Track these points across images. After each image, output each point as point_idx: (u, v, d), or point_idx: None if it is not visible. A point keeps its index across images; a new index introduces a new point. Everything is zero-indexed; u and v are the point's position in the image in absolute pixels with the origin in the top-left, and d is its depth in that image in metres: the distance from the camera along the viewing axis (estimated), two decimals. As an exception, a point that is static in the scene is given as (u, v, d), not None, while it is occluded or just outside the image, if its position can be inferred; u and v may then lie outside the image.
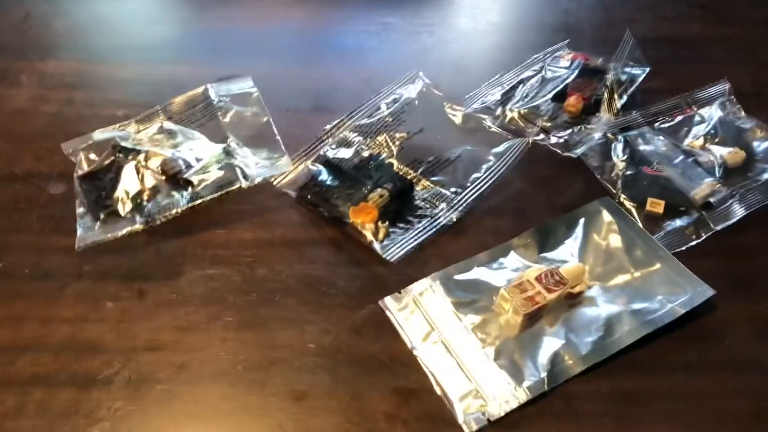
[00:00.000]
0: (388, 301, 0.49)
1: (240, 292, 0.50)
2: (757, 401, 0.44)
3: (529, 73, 0.68)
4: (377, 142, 0.59)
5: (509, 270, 0.51)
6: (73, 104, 0.66)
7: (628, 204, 0.55)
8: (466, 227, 0.54)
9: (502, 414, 0.43)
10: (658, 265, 0.50)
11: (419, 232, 0.53)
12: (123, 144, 0.57)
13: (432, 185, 0.56)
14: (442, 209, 0.54)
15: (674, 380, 0.45)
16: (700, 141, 0.60)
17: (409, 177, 0.57)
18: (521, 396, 0.43)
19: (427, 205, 0.55)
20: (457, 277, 0.50)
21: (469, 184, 0.56)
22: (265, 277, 0.51)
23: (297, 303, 0.49)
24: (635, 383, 0.45)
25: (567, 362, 0.45)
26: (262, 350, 0.46)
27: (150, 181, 0.55)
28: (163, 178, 0.56)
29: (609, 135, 0.60)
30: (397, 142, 0.59)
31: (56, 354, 0.45)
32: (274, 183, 0.57)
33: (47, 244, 0.53)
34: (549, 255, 0.52)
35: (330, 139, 0.60)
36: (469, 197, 0.55)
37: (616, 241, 0.52)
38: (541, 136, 0.61)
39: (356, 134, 0.60)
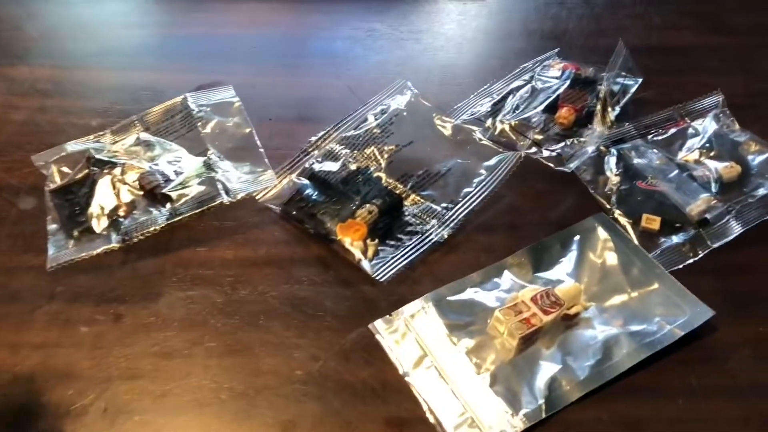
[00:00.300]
0: (379, 324, 0.47)
1: (222, 314, 0.47)
2: (761, 429, 0.42)
3: (518, 82, 0.67)
4: (365, 155, 0.57)
5: (503, 290, 0.49)
6: (45, 112, 0.63)
7: (622, 220, 0.54)
8: (457, 244, 0.52)
9: (499, 444, 0.41)
10: (655, 285, 0.49)
11: (410, 249, 0.51)
12: (98, 156, 0.55)
13: (422, 200, 0.54)
14: (432, 225, 0.53)
15: (675, 406, 0.43)
16: (695, 155, 0.59)
17: (398, 191, 0.55)
18: (518, 425, 0.42)
19: (418, 222, 0.53)
20: (451, 298, 0.48)
21: (460, 199, 0.54)
22: (248, 298, 0.48)
23: (282, 326, 0.47)
24: (635, 409, 0.43)
25: (565, 388, 0.43)
26: (247, 378, 0.44)
27: (126, 196, 0.53)
28: (141, 193, 0.53)
29: (602, 148, 0.59)
30: (386, 155, 0.57)
31: (26, 383, 0.43)
32: (257, 198, 0.54)
33: (16, 263, 0.50)
34: (544, 274, 0.50)
35: (316, 152, 0.58)
36: (461, 213, 0.54)
37: (612, 259, 0.51)
38: (533, 149, 0.60)
39: (343, 146, 0.58)
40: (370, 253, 0.50)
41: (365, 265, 0.49)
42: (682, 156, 0.59)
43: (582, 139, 0.59)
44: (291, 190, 0.55)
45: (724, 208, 0.54)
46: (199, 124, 0.58)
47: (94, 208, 0.52)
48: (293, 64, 0.70)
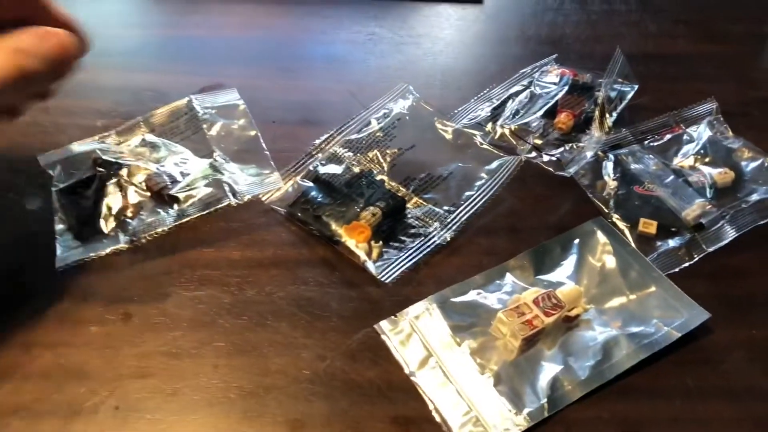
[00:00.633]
0: (384, 325, 0.48)
1: (230, 315, 0.48)
2: (754, 431, 0.44)
3: (517, 87, 0.68)
4: (368, 158, 0.58)
5: (506, 292, 0.50)
6: (48, 113, 0.63)
7: (620, 224, 0.55)
8: (459, 247, 0.53)
9: (504, 443, 0.42)
10: (653, 288, 0.50)
11: (413, 251, 0.52)
12: (104, 157, 0.55)
13: (424, 203, 0.55)
14: (435, 228, 0.54)
15: (672, 406, 0.44)
16: (690, 160, 0.60)
17: (400, 194, 0.55)
18: (522, 423, 0.43)
19: (420, 224, 0.54)
20: (454, 299, 0.49)
21: (462, 203, 0.55)
22: (255, 299, 0.49)
23: (289, 326, 0.47)
24: (634, 409, 0.44)
25: (566, 388, 0.45)
26: (255, 377, 0.44)
27: (134, 197, 0.53)
28: (148, 194, 0.54)
29: (599, 153, 0.60)
30: (389, 159, 0.58)
31: (38, 382, 0.43)
32: (263, 199, 0.55)
33: (25, 263, 0.50)
34: (545, 277, 0.51)
35: (319, 155, 0.58)
36: (463, 216, 0.55)
37: (611, 262, 0.52)
38: (533, 153, 0.61)
39: (346, 150, 0.59)
40: (374, 254, 0.51)
41: (370, 266, 0.50)
42: (677, 162, 0.61)
43: (580, 144, 0.61)
44: (296, 192, 0.56)
45: (719, 213, 0.55)
46: (204, 126, 0.59)
47: (101, 209, 0.52)
48: (294, 67, 0.71)
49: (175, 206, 0.53)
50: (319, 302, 0.49)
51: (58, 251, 0.50)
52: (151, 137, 0.58)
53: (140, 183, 0.54)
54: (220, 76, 0.66)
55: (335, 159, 0.58)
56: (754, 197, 0.57)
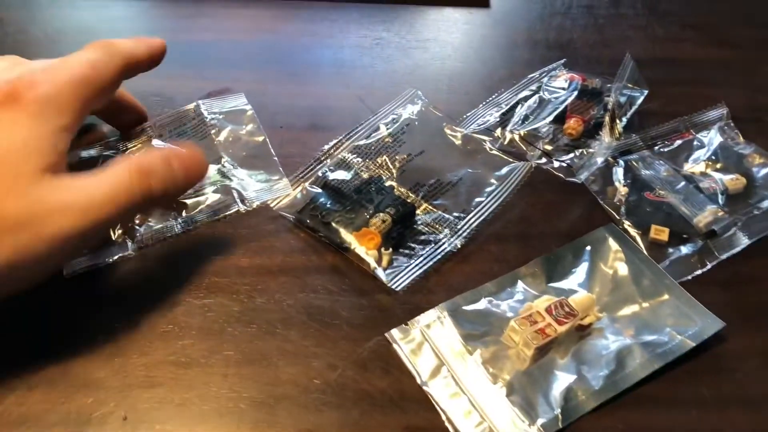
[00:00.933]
0: (395, 333, 0.47)
1: (239, 323, 0.47)
2: (772, 440, 0.43)
3: (526, 92, 0.67)
4: (377, 164, 0.58)
5: (517, 300, 0.49)
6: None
7: (632, 231, 0.55)
8: (470, 254, 0.53)
9: (518, 454, 0.41)
10: (666, 296, 0.50)
11: (423, 259, 0.51)
12: (111, 163, 0.55)
13: (434, 209, 0.55)
14: (445, 235, 0.53)
15: (688, 417, 0.44)
16: (701, 166, 0.60)
17: (410, 200, 0.55)
18: (535, 434, 0.42)
19: (430, 231, 0.53)
20: (465, 307, 0.49)
21: (472, 209, 0.55)
22: (264, 307, 0.49)
23: (300, 335, 0.47)
24: (649, 420, 0.44)
25: (580, 398, 0.44)
26: (266, 386, 0.44)
27: (141, 204, 0.53)
28: (156, 200, 0.53)
29: (610, 159, 0.59)
30: (398, 164, 0.58)
31: (45, 392, 0.43)
32: (272, 205, 0.54)
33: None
34: (557, 284, 0.51)
35: (328, 160, 0.58)
36: (473, 222, 0.54)
37: (623, 270, 0.52)
38: (543, 159, 0.60)
39: (355, 155, 0.58)
40: (384, 262, 0.51)
41: (380, 274, 0.50)
42: (688, 167, 0.60)
43: (590, 150, 0.60)
44: (304, 198, 0.55)
45: (731, 219, 0.55)
46: (212, 131, 0.58)
47: (109, 215, 0.52)
48: (300, 72, 0.71)
49: (184, 213, 0.52)
50: (329, 310, 0.48)
51: (66, 258, 0.50)
52: (158, 143, 0.57)
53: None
54: (226, 80, 0.66)
55: (344, 165, 0.58)
56: (766, 204, 0.57)
